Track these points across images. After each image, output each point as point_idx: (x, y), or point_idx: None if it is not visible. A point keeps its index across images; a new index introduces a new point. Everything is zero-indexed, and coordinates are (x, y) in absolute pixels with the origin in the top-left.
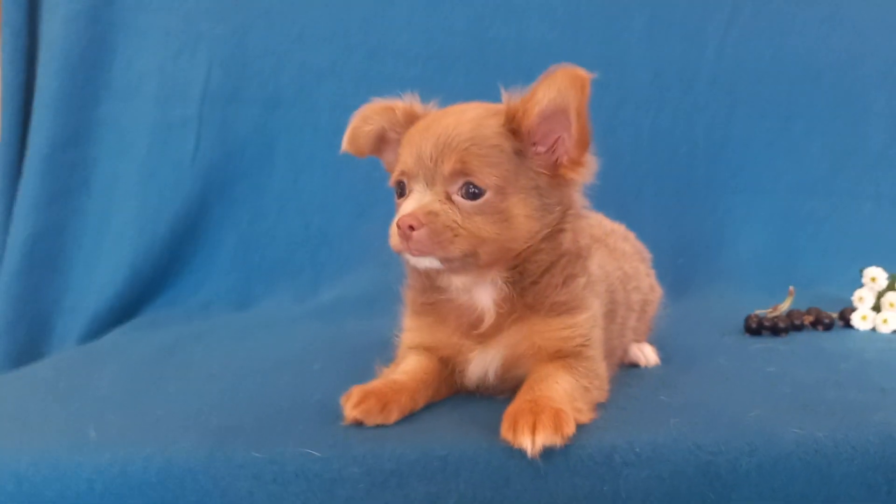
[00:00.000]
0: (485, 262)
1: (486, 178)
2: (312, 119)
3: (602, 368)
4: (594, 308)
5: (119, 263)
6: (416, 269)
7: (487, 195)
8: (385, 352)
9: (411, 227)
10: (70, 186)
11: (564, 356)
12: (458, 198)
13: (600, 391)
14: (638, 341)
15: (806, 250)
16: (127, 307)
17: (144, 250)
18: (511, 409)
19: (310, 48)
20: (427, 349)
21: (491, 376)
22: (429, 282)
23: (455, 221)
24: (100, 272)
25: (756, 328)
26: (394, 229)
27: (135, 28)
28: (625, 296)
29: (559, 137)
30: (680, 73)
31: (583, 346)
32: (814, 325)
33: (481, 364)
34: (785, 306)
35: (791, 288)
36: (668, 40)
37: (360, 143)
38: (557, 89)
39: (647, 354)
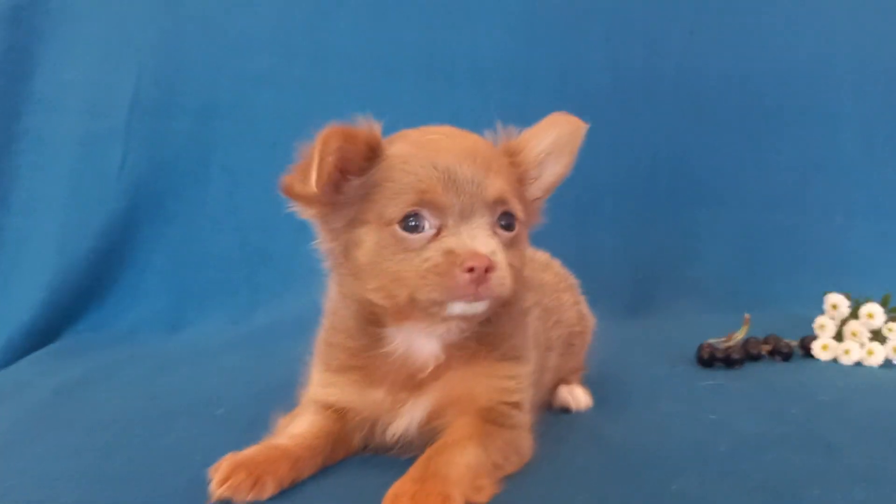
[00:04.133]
0: (505, 301)
1: (517, 205)
2: (250, 130)
3: (526, 441)
4: (533, 361)
5: (37, 285)
6: (352, 325)
7: (517, 226)
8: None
9: (487, 270)
10: None
11: (492, 418)
12: (498, 230)
13: (515, 466)
14: (568, 382)
15: (772, 266)
16: (45, 332)
17: (65, 271)
18: (394, 490)
19: (248, 55)
20: (337, 408)
21: (414, 428)
22: (368, 337)
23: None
24: (16, 295)
25: (708, 359)
26: (443, 272)
27: (59, 34)
28: (544, 334)
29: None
30: (641, 81)
31: (516, 405)
32: (772, 354)
33: (407, 417)
34: (740, 335)
35: (747, 316)
36: (628, 47)
37: (325, 181)
38: (559, 133)
39: (577, 397)
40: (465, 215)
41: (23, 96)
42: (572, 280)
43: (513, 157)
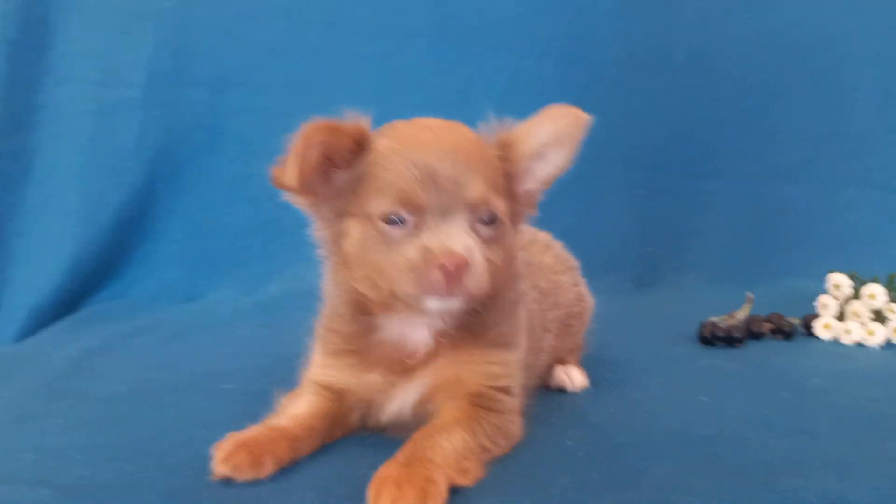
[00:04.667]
0: (484, 296)
1: (500, 203)
2: (264, 99)
3: (514, 425)
4: (522, 347)
5: (60, 256)
6: (345, 312)
7: (499, 223)
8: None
9: (460, 269)
10: (9, 176)
11: (480, 402)
12: (478, 226)
13: (503, 449)
14: (565, 362)
15: (780, 239)
16: (68, 302)
17: (86, 242)
18: (380, 473)
19: (261, 24)
20: (335, 390)
21: (407, 411)
22: (360, 324)
23: (482, 255)
24: (39, 266)
25: (709, 338)
26: (418, 269)
27: (76, 6)
28: (540, 316)
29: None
30: (654, 50)
31: (505, 390)
32: (774, 332)
33: (399, 400)
34: (742, 314)
35: (749, 294)
36: (642, 15)
37: (307, 174)
38: (557, 126)
39: (573, 378)
40: (444, 213)
41: (42, 68)
42: (572, 262)
43: (504, 150)
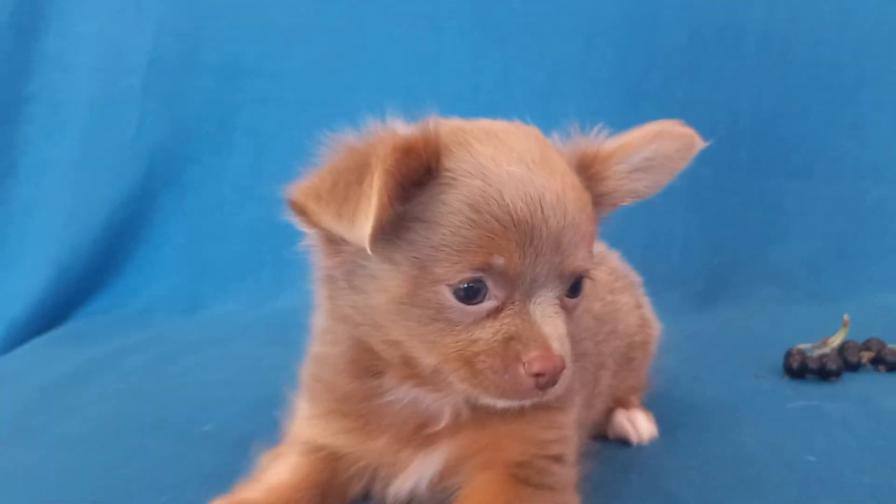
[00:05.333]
0: None
1: (592, 264)
2: (277, 89)
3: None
4: (578, 402)
5: (45, 261)
6: (342, 366)
7: (586, 288)
8: None
9: (557, 373)
10: None
11: (525, 476)
12: (566, 298)
13: None
14: (627, 405)
15: (871, 248)
16: (53, 313)
17: (75, 246)
18: None
19: (276, 4)
20: (328, 452)
21: (423, 487)
22: (362, 383)
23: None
24: (23, 272)
25: (798, 369)
26: (500, 366)
27: None
28: (595, 351)
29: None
30: (721, 32)
31: (557, 459)
32: (874, 362)
33: (415, 472)
34: (837, 340)
35: (846, 317)
36: None
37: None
38: (664, 148)
39: (638, 427)
40: (535, 287)
41: (33, 54)
42: (633, 277)
43: (592, 168)
